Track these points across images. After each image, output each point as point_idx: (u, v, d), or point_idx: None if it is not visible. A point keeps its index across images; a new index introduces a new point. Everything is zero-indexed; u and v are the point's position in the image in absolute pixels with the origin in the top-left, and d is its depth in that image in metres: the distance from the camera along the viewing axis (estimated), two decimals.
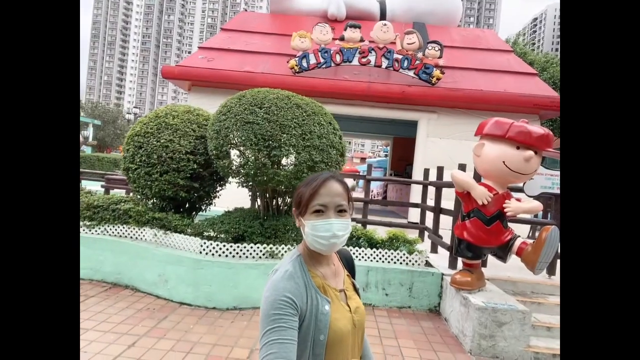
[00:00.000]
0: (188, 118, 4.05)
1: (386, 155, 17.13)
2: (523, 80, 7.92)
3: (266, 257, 3.84)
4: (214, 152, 3.55)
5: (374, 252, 4.34)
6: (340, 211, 0.97)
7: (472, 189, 3.36)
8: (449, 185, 3.92)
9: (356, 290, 1.08)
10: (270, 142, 3.32)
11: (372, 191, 18.45)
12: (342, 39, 7.58)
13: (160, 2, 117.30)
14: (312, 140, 3.45)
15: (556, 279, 4.18)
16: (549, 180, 4.11)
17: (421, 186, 6.32)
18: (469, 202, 3.44)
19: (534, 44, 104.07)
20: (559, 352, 3.12)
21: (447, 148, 7.65)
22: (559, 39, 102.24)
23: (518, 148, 3.16)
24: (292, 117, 3.42)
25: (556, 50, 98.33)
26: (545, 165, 4.06)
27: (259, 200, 4.12)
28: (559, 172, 4.20)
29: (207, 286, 3.65)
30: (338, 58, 7.59)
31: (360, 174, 14.70)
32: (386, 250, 4.37)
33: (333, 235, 0.94)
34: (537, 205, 3.40)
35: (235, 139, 3.41)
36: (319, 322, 0.91)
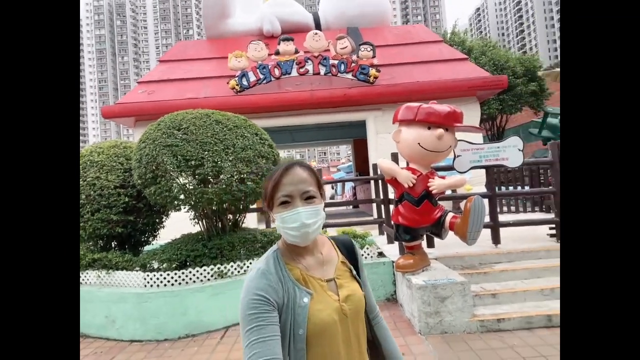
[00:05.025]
0: (114, 152, 4.00)
1: None
2: (456, 66, 8.31)
3: (215, 278, 3.79)
4: (139, 181, 3.51)
5: None
6: (308, 198, 0.91)
7: (396, 174, 3.47)
8: None
9: (354, 276, 1.01)
10: (193, 161, 3.32)
11: (346, 195, 18.68)
12: (277, 53, 7.74)
13: (111, 45, 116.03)
14: (236, 153, 3.48)
15: (501, 246, 4.33)
16: (477, 154, 4.30)
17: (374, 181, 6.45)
18: (398, 187, 3.55)
19: (481, 32, 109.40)
20: (503, 317, 3.22)
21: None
22: (503, 24, 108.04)
23: (429, 128, 3.31)
24: (212, 134, 3.45)
25: (502, 34, 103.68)
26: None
27: (201, 222, 4.09)
28: (485, 145, 4.40)
29: (155, 319, 3.56)
30: (277, 72, 7.73)
31: (335, 180, 14.88)
32: None
33: (302, 224, 0.90)
34: (460, 179, 3.54)
35: (157, 164, 3.40)
36: (297, 316, 0.87)
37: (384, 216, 6.02)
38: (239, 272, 3.85)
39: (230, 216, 4.12)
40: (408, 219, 3.46)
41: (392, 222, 3.69)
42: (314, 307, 0.89)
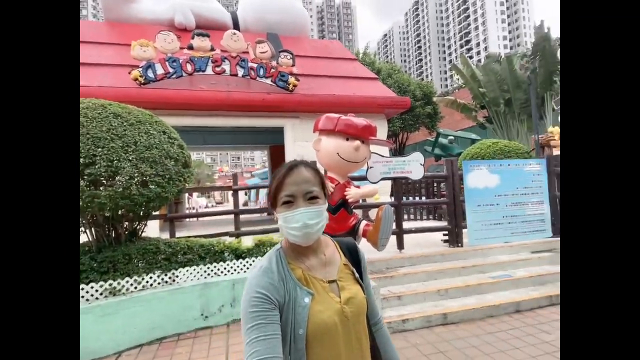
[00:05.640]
0: None
1: None
2: (367, 84, 8.95)
3: (105, 296, 3.23)
4: None
5: (240, 262, 4.14)
6: (311, 198, 0.92)
7: None
8: None
9: (356, 279, 1.00)
10: (81, 159, 2.79)
11: (260, 202, 18.36)
12: (190, 47, 7.21)
13: None
14: (139, 152, 3.06)
15: (405, 251, 4.72)
16: (386, 167, 4.63)
17: None
18: None
19: (387, 56, 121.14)
20: (407, 317, 3.48)
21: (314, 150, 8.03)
22: (405, 52, 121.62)
23: (348, 139, 3.43)
24: (109, 128, 2.96)
25: (404, 61, 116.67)
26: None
27: (89, 230, 3.46)
28: (393, 159, 4.78)
29: None
30: (189, 67, 7.18)
31: (249, 187, 14.44)
32: (253, 258, 4.23)
33: (304, 225, 0.90)
34: (373, 188, 3.76)
35: None
36: (297, 316, 0.87)
37: None
38: (136, 288, 3.36)
39: (127, 224, 3.59)
40: (326, 226, 3.50)
41: None
42: (315, 308, 0.89)
